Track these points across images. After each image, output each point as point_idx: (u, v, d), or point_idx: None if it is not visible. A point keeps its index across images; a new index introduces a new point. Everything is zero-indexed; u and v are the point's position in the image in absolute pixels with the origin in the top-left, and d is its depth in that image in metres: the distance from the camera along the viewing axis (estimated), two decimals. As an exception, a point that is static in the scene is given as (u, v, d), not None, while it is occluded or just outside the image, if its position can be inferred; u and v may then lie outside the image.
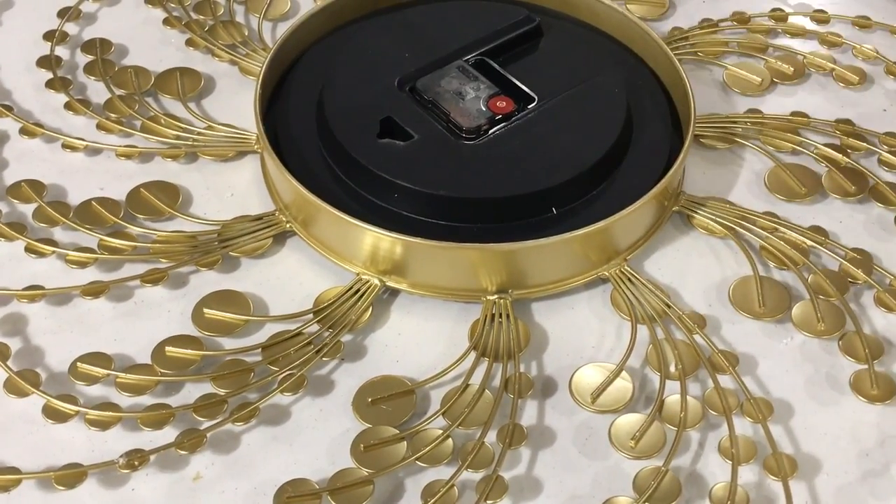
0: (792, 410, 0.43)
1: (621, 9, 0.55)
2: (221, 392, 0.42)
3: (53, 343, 0.45)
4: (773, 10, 0.60)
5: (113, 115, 0.54)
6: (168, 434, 0.41)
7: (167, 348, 0.44)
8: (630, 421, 0.42)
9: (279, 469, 0.41)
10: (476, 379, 0.43)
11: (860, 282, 0.47)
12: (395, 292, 0.47)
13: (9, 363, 0.43)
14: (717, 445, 0.41)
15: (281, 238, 0.49)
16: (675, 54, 0.53)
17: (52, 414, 0.42)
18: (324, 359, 0.44)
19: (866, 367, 0.44)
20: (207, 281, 0.47)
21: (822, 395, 0.44)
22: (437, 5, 0.57)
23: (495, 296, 0.46)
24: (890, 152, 0.53)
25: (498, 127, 0.49)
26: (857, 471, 0.41)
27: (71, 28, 0.59)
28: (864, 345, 0.44)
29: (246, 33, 0.58)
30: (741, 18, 0.60)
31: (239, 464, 0.41)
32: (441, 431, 0.41)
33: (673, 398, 0.42)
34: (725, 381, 0.43)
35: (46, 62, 0.57)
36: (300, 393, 0.43)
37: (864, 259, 0.48)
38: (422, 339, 0.45)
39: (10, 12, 0.61)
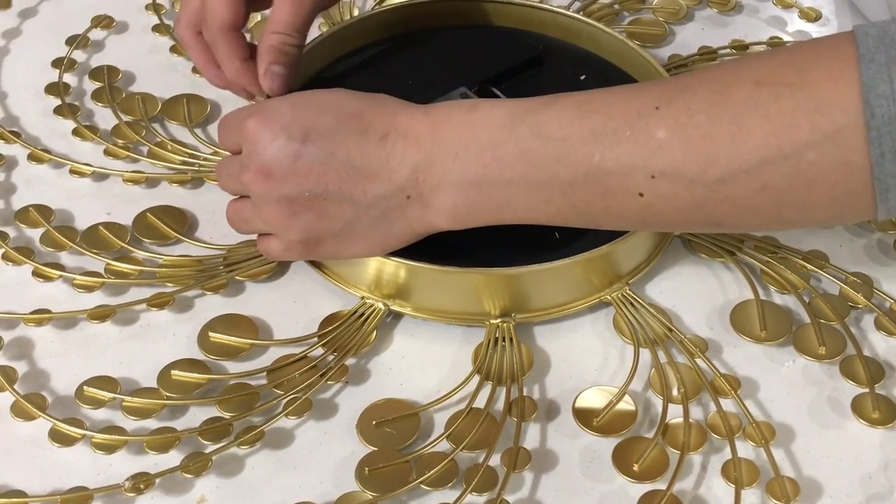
0: (794, 434, 0.43)
1: (621, 36, 0.56)
2: (227, 416, 0.43)
3: (60, 366, 0.45)
4: (772, 38, 0.61)
5: (120, 140, 0.55)
6: (173, 457, 0.41)
7: (173, 372, 0.44)
8: (633, 444, 0.42)
9: (284, 492, 0.41)
10: (480, 402, 0.43)
11: (861, 306, 0.47)
12: (398, 316, 0.47)
13: (15, 387, 0.44)
14: (720, 469, 0.42)
15: (286, 262, 0.49)
16: (675, 81, 0.54)
17: (58, 437, 0.42)
18: (328, 382, 0.44)
19: (868, 390, 0.44)
20: (213, 305, 0.48)
21: (824, 419, 0.44)
22: (440, 33, 0.57)
23: (498, 320, 0.46)
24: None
25: (501, 152, 0.49)
26: (860, 494, 0.41)
27: (79, 55, 0.60)
28: (865, 368, 0.44)
29: (252, 60, 0.59)
30: (739, 46, 0.60)
31: (243, 487, 0.41)
32: (445, 454, 0.41)
33: (676, 421, 0.43)
34: (727, 404, 0.43)
35: (55, 89, 0.58)
36: (304, 416, 0.43)
37: (864, 283, 0.48)
38: (425, 363, 0.46)
39: (18, 40, 0.62)
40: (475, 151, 0.40)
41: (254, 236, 0.47)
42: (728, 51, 0.60)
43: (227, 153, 0.47)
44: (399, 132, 0.41)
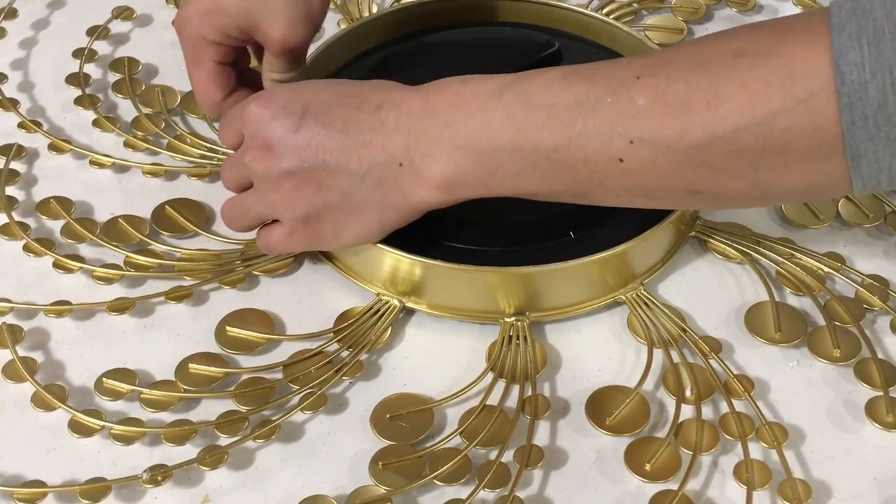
0: (807, 436, 0.43)
1: (640, 35, 0.56)
2: (243, 409, 0.43)
3: (78, 358, 0.46)
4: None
5: (140, 133, 0.55)
6: (187, 450, 0.42)
7: (191, 365, 0.45)
8: (646, 444, 0.42)
9: (297, 486, 0.41)
10: (493, 399, 0.43)
11: (876, 308, 0.47)
12: (412, 311, 0.48)
13: (36, 377, 0.44)
14: (733, 470, 0.42)
15: (302, 258, 0.50)
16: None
17: (77, 428, 0.42)
18: (343, 378, 0.44)
19: (882, 393, 0.44)
20: (230, 299, 0.48)
21: (838, 422, 0.44)
22: (459, 31, 0.58)
23: (513, 318, 0.46)
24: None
25: (517, 151, 0.50)
26: (873, 498, 0.41)
27: (104, 48, 0.61)
28: (879, 371, 0.44)
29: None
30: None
31: (256, 480, 0.42)
32: (458, 450, 0.41)
33: (688, 422, 0.43)
34: (740, 405, 0.43)
35: (75, 79, 0.58)
36: (319, 411, 0.44)
37: (880, 286, 0.48)
38: (439, 360, 0.46)
39: (46, 31, 0.62)
40: (464, 118, 0.41)
41: (253, 234, 0.47)
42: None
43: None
44: (393, 103, 0.43)
